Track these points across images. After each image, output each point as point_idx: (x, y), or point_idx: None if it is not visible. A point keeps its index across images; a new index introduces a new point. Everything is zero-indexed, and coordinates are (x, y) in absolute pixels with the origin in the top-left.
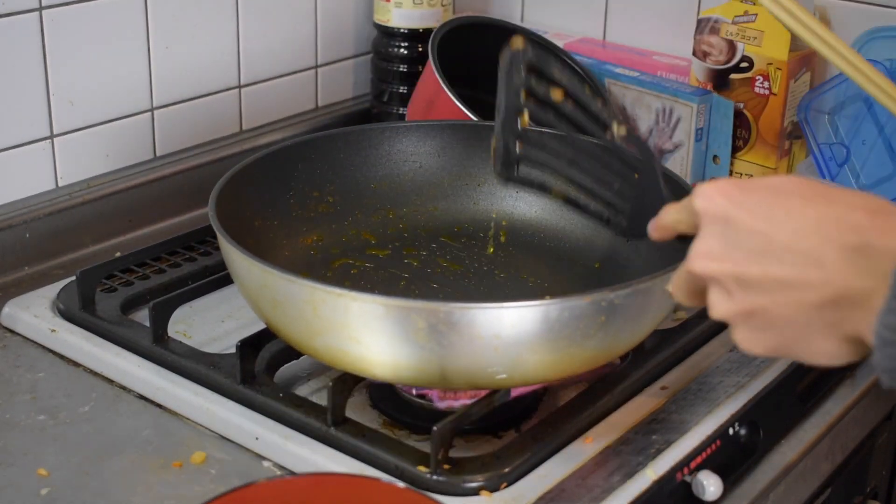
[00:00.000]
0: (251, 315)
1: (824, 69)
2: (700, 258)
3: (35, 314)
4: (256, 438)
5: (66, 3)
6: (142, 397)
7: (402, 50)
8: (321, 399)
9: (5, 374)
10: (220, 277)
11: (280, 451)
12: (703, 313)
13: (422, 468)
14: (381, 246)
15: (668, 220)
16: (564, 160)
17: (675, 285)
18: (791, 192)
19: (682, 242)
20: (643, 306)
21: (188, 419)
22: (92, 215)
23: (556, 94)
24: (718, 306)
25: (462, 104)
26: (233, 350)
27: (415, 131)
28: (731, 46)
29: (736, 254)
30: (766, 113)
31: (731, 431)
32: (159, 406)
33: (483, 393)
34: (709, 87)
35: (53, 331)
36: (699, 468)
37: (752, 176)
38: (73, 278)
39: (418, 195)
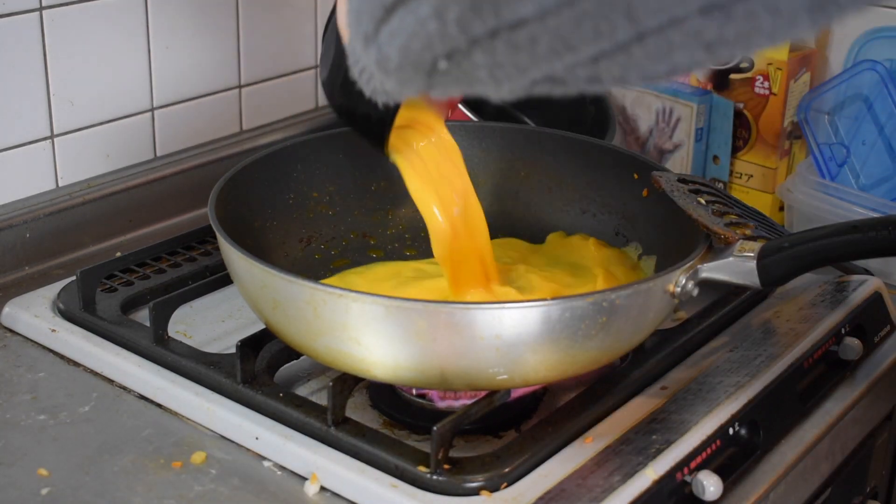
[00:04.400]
0: (251, 315)
1: (824, 69)
2: None
3: (35, 314)
4: (256, 438)
5: (66, 3)
6: (142, 397)
7: None
8: (321, 399)
9: (5, 374)
10: (220, 277)
11: (280, 451)
12: (703, 313)
13: (422, 468)
14: (380, 246)
15: None
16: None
17: None
18: None
19: None
20: (643, 306)
21: (188, 419)
22: (92, 215)
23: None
24: None
25: (462, 104)
26: (233, 350)
27: None
28: None
29: None
30: (766, 113)
31: (731, 431)
32: (159, 406)
33: (483, 392)
34: (709, 87)
35: (54, 331)
36: (699, 468)
37: (752, 176)
38: (74, 278)
39: None
